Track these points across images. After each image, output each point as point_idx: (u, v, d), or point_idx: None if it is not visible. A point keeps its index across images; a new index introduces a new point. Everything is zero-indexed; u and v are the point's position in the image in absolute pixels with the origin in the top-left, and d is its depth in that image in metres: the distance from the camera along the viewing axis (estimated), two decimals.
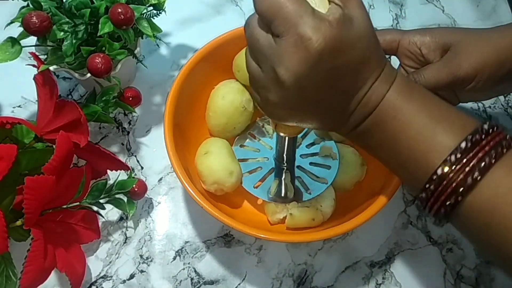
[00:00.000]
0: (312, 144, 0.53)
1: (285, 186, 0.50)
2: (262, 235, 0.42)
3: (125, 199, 0.50)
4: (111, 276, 0.50)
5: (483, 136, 0.31)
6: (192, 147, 0.50)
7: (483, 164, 0.30)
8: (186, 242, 0.52)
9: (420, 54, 0.43)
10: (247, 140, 0.54)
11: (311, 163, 0.52)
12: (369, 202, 0.44)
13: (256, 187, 0.50)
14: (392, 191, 0.43)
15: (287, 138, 0.46)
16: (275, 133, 0.53)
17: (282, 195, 0.50)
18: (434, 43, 0.42)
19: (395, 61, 0.45)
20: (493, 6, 0.68)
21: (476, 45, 0.40)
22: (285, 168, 0.51)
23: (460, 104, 0.52)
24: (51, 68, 0.48)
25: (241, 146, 0.53)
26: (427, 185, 0.32)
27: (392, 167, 0.36)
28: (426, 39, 0.42)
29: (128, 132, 0.58)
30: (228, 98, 0.51)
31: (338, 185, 0.51)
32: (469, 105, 0.60)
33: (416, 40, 0.42)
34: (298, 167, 0.52)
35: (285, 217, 0.49)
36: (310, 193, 0.49)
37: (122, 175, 0.51)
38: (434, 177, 0.31)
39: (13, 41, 0.46)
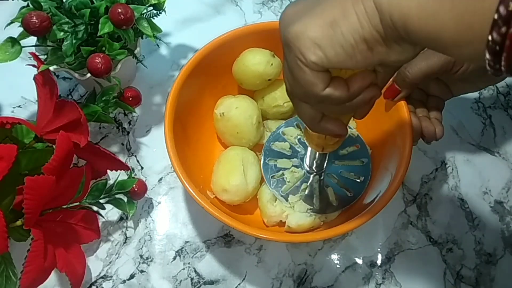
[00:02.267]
0: None
1: (328, 195, 0.50)
2: (262, 235, 0.42)
3: (125, 199, 0.50)
4: (111, 276, 0.50)
5: None
6: (192, 147, 0.50)
7: None
8: (186, 242, 0.52)
9: None
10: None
11: (341, 155, 0.52)
12: (369, 203, 0.44)
13: (295, 201, 0.50)
14: (392, 192, 0.43)
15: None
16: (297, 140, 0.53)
17: (328, 205, 0.49)
18: None
19: None
20: None
21: None
22: (320, 173, 0.51)
23: (460, 102, 0.52)
24: (51, 68, 0.48)
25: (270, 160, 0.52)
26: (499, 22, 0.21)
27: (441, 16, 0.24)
28: None
29: (128, 132, 0.58)
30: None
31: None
32: (469, 104, 0.60)
33: None
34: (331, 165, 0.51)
35: (281, 221, 0.49)
36: (351, 194, 0.49)
37: (122, 175, 0.51)
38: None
39: (13, 41, 0.46)
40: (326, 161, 0.50)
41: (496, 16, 0.21)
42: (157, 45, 0.63)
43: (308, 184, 0.51)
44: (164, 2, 0.50)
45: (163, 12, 0.51)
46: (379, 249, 0.52)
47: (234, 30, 0.51)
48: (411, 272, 0.51)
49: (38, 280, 0.42)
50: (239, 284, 0.50)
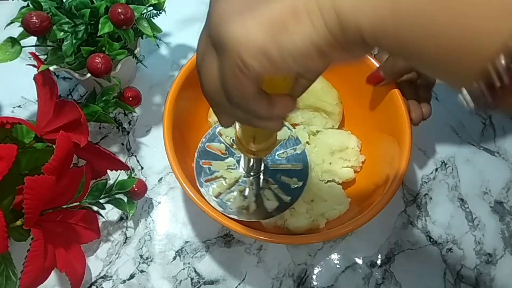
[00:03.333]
0: None
1: (263, 200, 0.48)
2: (262, 237, 0.42)
3: (125, 199, 0.50)
4: (111, 276, 0.50)
5: None
6: (191, 147, 0.50)
7: None
8: (186, 242, 0.52)
9: None
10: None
11: (278, 159, 0.50)
12: (369, 203, 0.44)
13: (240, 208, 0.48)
14: (392, 192, 0.43)
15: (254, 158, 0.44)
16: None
17: (263, 210, 0.48)
18: None
19: None
20: None
21: None
22: (257, 177, 0.49)
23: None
24: (51, 68, 0.48)
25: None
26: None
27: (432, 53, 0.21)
28: None
29: (128, 132, 0.58)
30: None
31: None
32: None
33: None
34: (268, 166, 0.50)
35: (278, 226, 0.49)
36: (289, 199, 0.48)
37: (122, 175, 0.51)
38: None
39: (13, 41, 0.46)
40: (261, 165, 0.48)
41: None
42: (157, 45, 0.63)
43: (245, 186, 0.49)
44: (164, 2, 0.50)
45: (163, 12, 0.51)
46: (379, 249, 0.52)
47: None
48: (411, 272, 0.51)
49: (38, 280, 0.42)
50: (239, 284, 0.50)
